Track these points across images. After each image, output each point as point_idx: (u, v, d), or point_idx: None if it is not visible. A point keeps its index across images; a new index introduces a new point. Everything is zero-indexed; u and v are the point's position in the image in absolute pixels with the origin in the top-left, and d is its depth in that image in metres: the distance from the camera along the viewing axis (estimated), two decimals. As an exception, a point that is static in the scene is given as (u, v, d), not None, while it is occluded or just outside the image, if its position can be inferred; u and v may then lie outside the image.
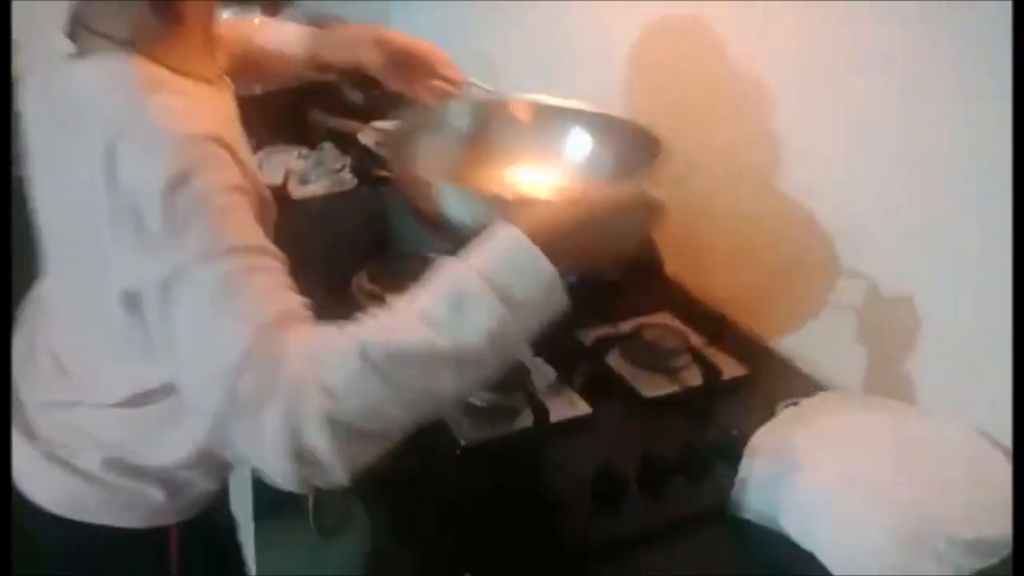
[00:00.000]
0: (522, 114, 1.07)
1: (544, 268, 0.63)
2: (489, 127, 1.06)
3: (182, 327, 0.60)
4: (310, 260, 1.17)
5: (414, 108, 1.04)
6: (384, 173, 1.25)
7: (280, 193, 1.43)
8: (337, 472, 0.59)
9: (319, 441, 0.57)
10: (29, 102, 0.75)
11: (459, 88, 1.03)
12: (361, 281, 1.11)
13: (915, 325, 0.92)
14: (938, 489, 0.72)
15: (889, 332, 0.95)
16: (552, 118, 1.06)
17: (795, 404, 0.85)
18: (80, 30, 0.68)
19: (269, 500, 1.39)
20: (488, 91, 1.06)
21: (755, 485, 0.78)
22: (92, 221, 0.63)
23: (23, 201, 0.79)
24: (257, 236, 0.64)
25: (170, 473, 0.77)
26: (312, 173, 1.48)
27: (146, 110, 0.63)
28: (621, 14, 1.30)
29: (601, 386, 0.96)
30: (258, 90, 1.66)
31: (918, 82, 0.88)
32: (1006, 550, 0.69)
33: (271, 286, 0.62)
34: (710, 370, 0.95)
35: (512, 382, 0.89)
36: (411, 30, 1.89)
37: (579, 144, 1.04)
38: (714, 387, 0.95)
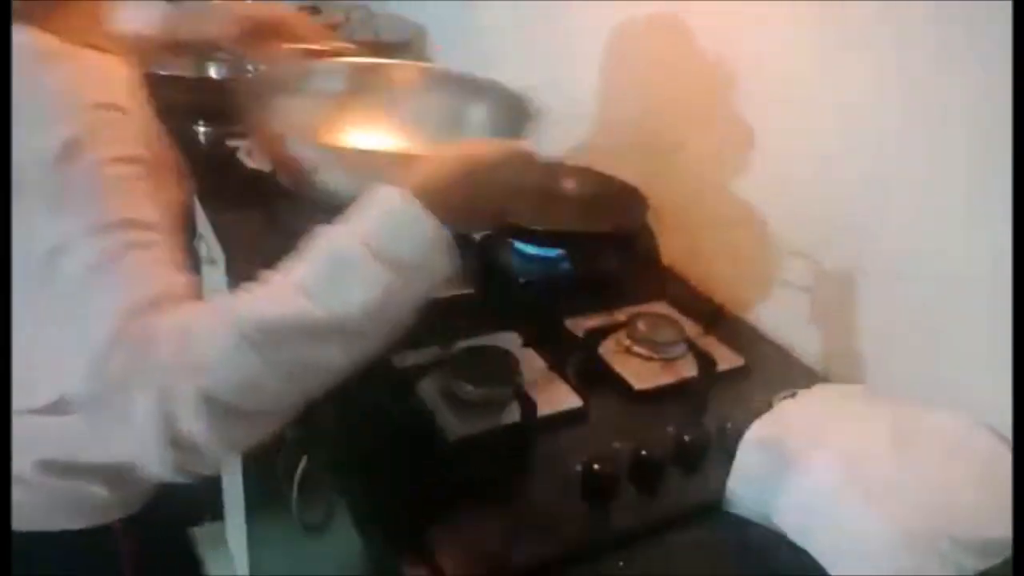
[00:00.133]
0: (395, 77, 1.08)
1: (428, 226, 0.62)
2: (360, 90, 1.05)
3: (60, 305, 0.58)
4: (299, 245, 1.17)
5: (275, 69, 1.02)
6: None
7: (270, 179, 1.40)
8: (216, 456, 0.57)
9: (195, 423, 0.54)
10: None
11: (323, 51, 1.02)
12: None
13: (913, 318, 0.89)
14: (942, 486, 0.70)
15: (888, 323, 0.92)
16: (425, 81, 1.07)
17: (792, 396, 0.82)
18: None
19: (259, 497, 1.37)
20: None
21: (750, 481, 0.76)
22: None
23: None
24: (144, 210, 0.61)
25: (112, 468, 0.74)
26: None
27: (38, 79, 0.61)
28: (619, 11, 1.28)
29: (593, 378, 0.93)
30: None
31: (906, 68, 0.86)
32: (1011, 550, 0.66)
33: (150, 264, 0.59)
34: (705, 361, 0.92)
35: (500, 375, 0.86)
36: (403, 7, 1.86)
37: (452, 107, 1.05)
38: (709, 379, 0.92)
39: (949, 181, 0.85)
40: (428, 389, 0.87)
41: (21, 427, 0.72)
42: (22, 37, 0.63)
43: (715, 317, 1.05)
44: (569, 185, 1.27)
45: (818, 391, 0.83)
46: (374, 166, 0.72)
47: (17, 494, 0.72)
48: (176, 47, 1.01)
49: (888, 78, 0.89)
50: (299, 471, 0.96)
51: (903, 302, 0.91)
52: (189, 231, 1.51)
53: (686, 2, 1.14)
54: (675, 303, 1.08)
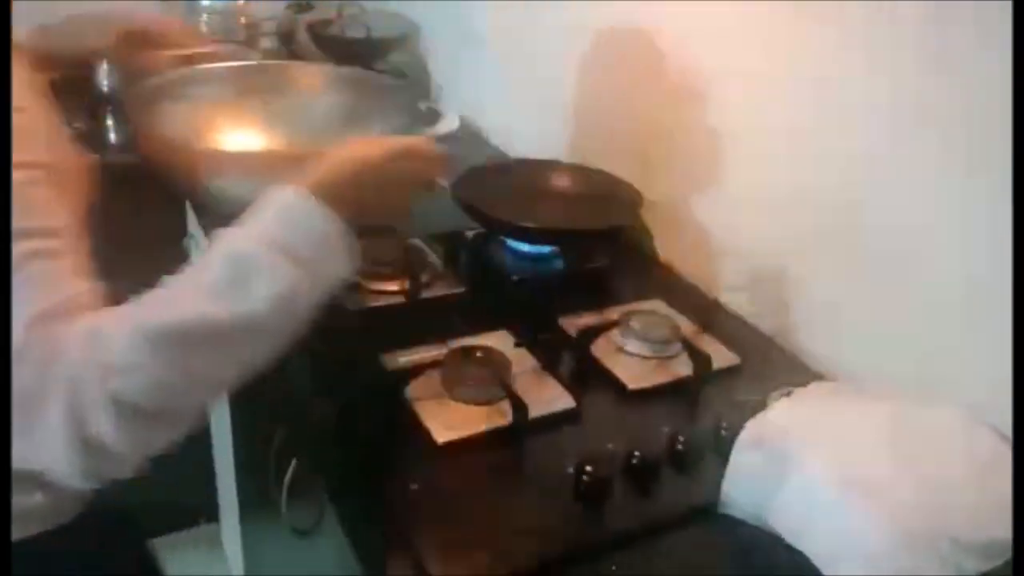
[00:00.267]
0: (290, 78, 1.09)
1: (324, 221, 0.64)
2: (249, 92, 1.06)
3: None
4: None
5: (156, 76, 1.01)
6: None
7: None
8: (127, 459, 0.58)
9: (106, 426, 0.55)
10: None
11: (200, 56, 1.02)
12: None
13: (908, 314, 0.88)
14: (940, 485, 0.68)
15: (882, 319, 0.91)
16: (320, 81, 1.08)
17: (788, 394, 0.81)
18: None
19: (253, 499, 1.36)
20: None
21: (745, 482, 0.74)
22: None
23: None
24: (46, 217, 0.61)
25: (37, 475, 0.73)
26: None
27: None
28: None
29: (586, 377, 0.92)
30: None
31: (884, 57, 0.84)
32: (1010, 552, 0.65)
33: (53, 272, 0.59)
34: (700, 360, 0.91)
35: (492, 375, 0.85)
36: (396, 2, 1.84)
37: (347, 106, 1.06)
38: (704, 377, 0.91)
39: (943, 179, 0.83)
40: (418, 390, 0.85)
41: None
42: None
43: (710, 314, 1.03)
44: (562, 182, 1.25)
45: (814, 389, 0.82)
46: (266, 167, 0.74)
47: None
48: (53, 60, 0.97)
49: (880, 77, 0.88)
50: (288, 475, 0.95)
51: (897, 299, 0.89)
52: (180, 231, 1.50)
53: (678, 1, 1.12)
54: (670, 300, 1.07)
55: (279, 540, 1.13)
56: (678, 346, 0.95)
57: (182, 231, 1.49)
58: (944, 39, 0.81)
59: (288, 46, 1.88)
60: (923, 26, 0.83)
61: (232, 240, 0.63)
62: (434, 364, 0.88)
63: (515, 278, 1.10)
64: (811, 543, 0.70)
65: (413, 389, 0.85)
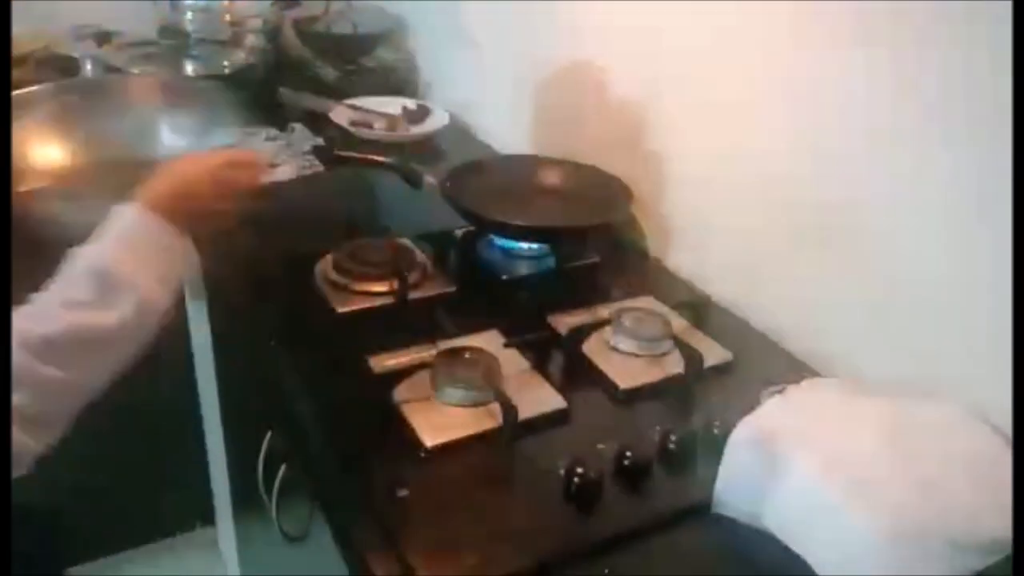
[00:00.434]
0: (107, 92, 1.14)
1: (166, 234, 0.75)
2: (68, 111, 1.09)
3: None
4: (276, 246, 1.14)
5: None
6: (345, 154, 1.19)
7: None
8: (32, 452, 0.66)
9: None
10: None
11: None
12: (325, 268, 1.06)
13: (903, 312, 0.87)
14: (933, 482, 0.67)
15: (877, 317, 0.90)
16: (142, 93, 1.15)
17: (781, 391, 0.80)
18: None
19: (246, 504, 1.35)
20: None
21: (738, 481, 0.73)
22: None
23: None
24: None
25: None
26: (280, 156, 1.42)
27: None
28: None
29: (577, 377, 0.91)
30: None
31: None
32: (1005, 550, 0.64)
33: None
34: (692, 357, 0.90)
35: (481, 377, 0.84)
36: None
37: (167, 114, 1.12)
38: (696, 375, 0.90)
39: (935, 179, 0.82)
40: (406, 393, 0.84)
41: None
42: None
43: (702, 311, 1.03)
44: (552, 178, 1.24)
45: (806, 386, 0.81)
46: (104, 184, 0.85)
47: None
48: None
49: (877, 75, 0.86)
50: (278, 480, 0.94)
51: (890, 297, 0.88)
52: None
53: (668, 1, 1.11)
54: (661, 297, 1.06)
55: (272, 544, 1.12)
56: (670, 343, 0.94)
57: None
58: (925, 35, 0.80)
59: (274, 43, 1.86)
60: (900, 24, 0.82)
61: (90, 257, 0.71)
62: (423, 366, 0.87)
63: (505, 277, 1.09)
64: (805, 542, 0.70)
65: (401, 392, 0.85)
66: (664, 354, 0.94)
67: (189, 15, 1.75)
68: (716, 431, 0.80)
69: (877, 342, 0.91)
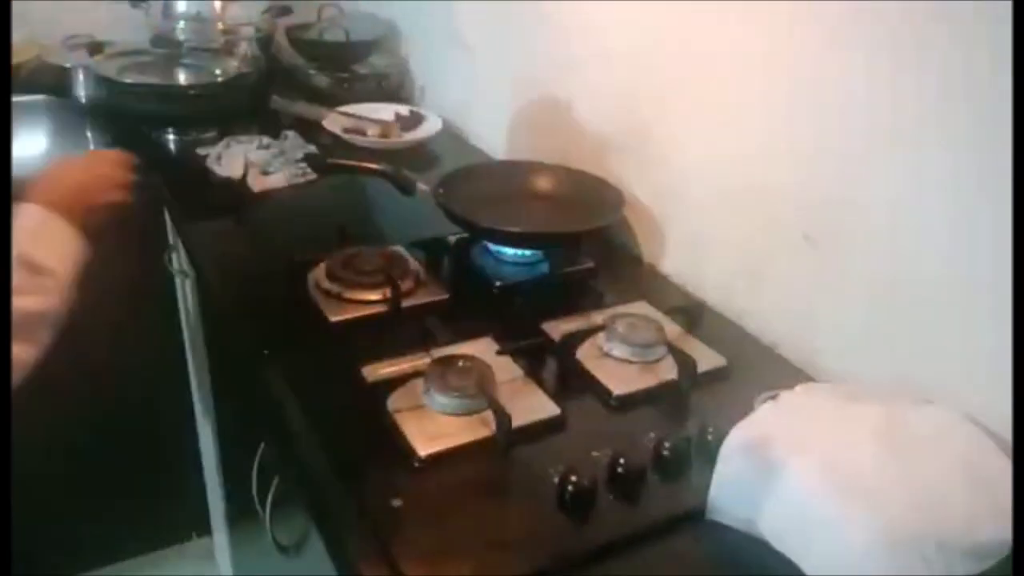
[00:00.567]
0: None
1: (63, 227, 0.86)
2: None
3: None
4: (269, 254, 1.14)
5: None
6: (337, 161, 1.19)
7: (240, 186, 1.38)
8: None
9: None
10: None
11: None
12: (318, 277, 1.05)
13: (897, 314, 0.87)
14: (929, 489, 0.67)
15: (871, 319, 0.90)
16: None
17: (774, 398, 0.79)
18: None
19: (240, 515, 1.35)
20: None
21: (732, 488, 0.73)
22: None
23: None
24: None
25: None
26: (273, 164, 1.42)
27: None
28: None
29: (571, 384, 0.91)
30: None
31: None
32: (1001, 554, 0.64)
33: None
34: (686, 363, 0.90)
35: (474, 385, 0.84)
36: (375, 5, 1.83)
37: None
38: (690, 381, 0.90)
39: (932, 182, 0.82)
40: (400, 402, 0.84)
41: None
42: None
43: (695, 316, 1.02)
44: (545, 184, 1.24)
45: (800, 391, 0.81)
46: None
47: None
48: None
49: (865, 76, 0.86)
50: (272, 491, 0.94)
51: (883, 299, 0.88)
52: (161, 243, 1.48)
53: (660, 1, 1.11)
54: (655, 302, 1.06)
55: (267, 554, 1.12)
56: (663, 349, 0.94)
57: (163, 242, 1.48)
58: (922, 38, 0.80)
59: (266, 51, 1.86)
60: (900, 25, 0.82)
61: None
62: (416, 374, 0.87)
63: (498, 284, 1.09)
64: (799, 549, 0.69)
65: (395, 400, 0.84)
66: (658, 360, 0.94)
67: (181, 24, 1.75)
68: (710, 437, 0.80)
69: (872, 346, 0.91)
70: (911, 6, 0.80)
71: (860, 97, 0.87)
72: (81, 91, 1.68)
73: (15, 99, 1.54)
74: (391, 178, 1.17)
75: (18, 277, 0.79)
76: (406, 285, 1.05)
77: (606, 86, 1.26)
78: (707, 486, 0.74)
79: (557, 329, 0.97)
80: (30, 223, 0.85)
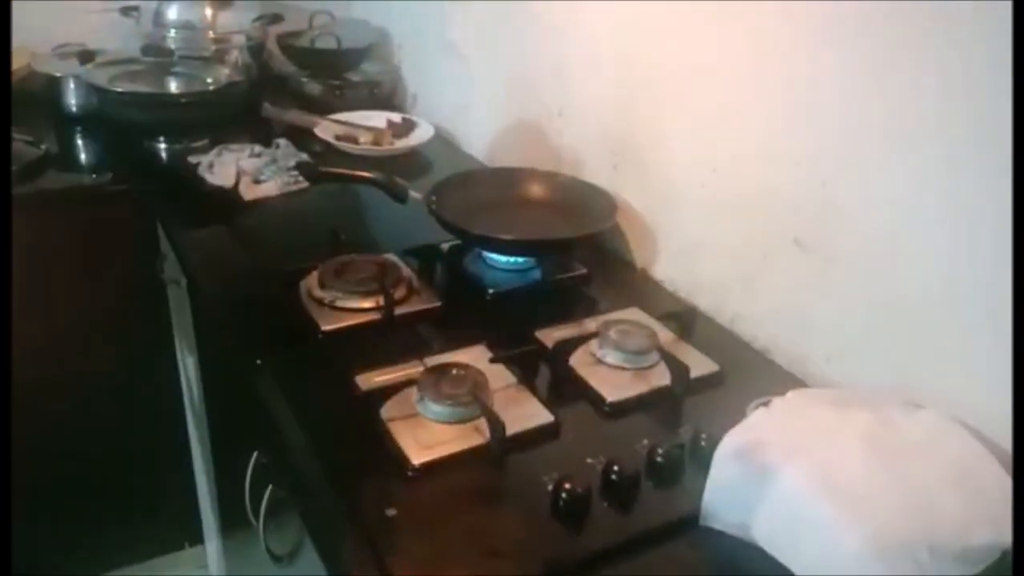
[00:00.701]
0: None
1: None
2: None
3: None
4: (261, 263, 1.14)
5: None
6: (330, 170, 1.19)
7: (231, 195, 1.37)
8: None
9: None
10: None
11: None
12: (310, 285, 1.05)
13: (890, 317, 0.88)
14: (920, 494, 0.68)
15: (865, 322, 0.91)
16: None
17: (766, 404, 0.80)
18: None
19: (233, 524, 1.34)
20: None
21: (725, 494, 0.73)
22: None
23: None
24: None
25: None
26: (265, 172, 1.42)
27: None
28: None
29: (564, 391, 0.91)
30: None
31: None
32: (992, 558, 0.65)
33: None
34: (678, 369, 0.90)
35: (468, 393, 0.84)
36: (367, 12, 1.84)
37: None
38: (683, 387, 0.90)
39: (927, 186, 0.83)
40: (393, 410, 0.84)
41: None
42: None
43: (688, 322, 1.03)
44: (537, 190, 1.25)
45: (792, 397, 0.81)
46: None
47: None
48: None
49: (858, 78, 0.87)
50: (265, 500, 0.93)
51: (875, 304, 0.89)
52: (152, 251, 1.48)
53: (654, 2, 1.12)
54: (647, 308, 1.06)
55: (260, 564, 1.12)
56: (656, 356, 0.94)
57: (154, 251, 1.47)
58: (918, 38, 0.81)
59: (258, 60, 1.86)
60: (895, 25, 0.82)
61: None
62: (410, 383, 0.87)
63: (491, 291, 1.09)
64: (792, 554, 0.70)
65: (388, 409, 0.84)
66: (651, 366, 0.94)
67: (172, 32, 1.75)
68: (703, 443, 0.80)
69: (864, 352, 0.91)
70: (906, 5, 0.80)
71: (855, 99, 0.87)
72: (72, 100, 1.67)
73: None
74: (383, 186, 1.17)
75: None
76: (399, 293, 1.05)
77: (598, 93, 1.27)
78: (700, 492, 0.75)
79: (550, 336, 0.98)
80: None
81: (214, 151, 1.47)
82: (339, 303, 1.02)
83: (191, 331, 1.38)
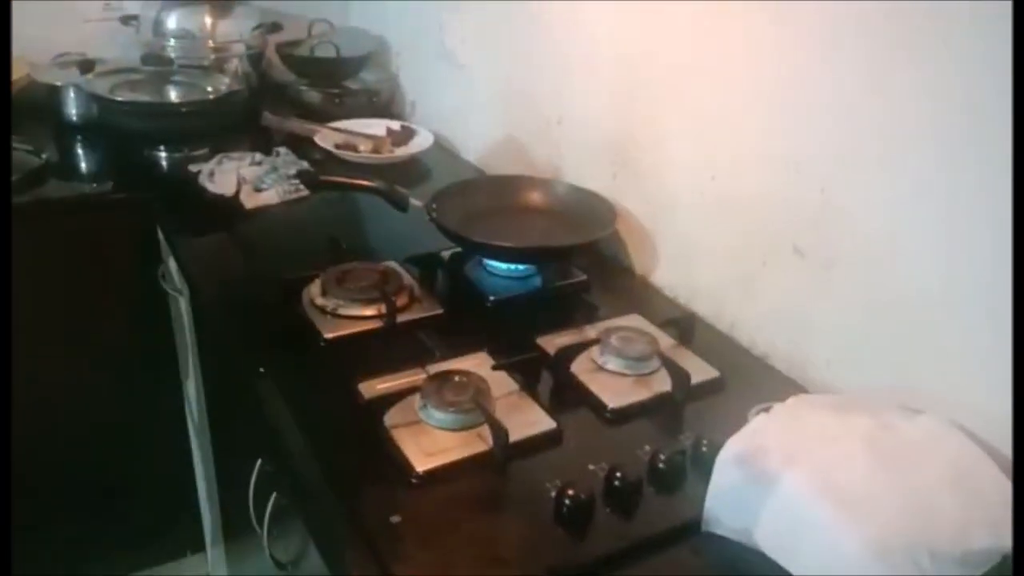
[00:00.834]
0: None
1: None
2: None
3: None
4: (262, 271, 1.14)
5: None
6: (330, 178, 1.20)
7: (232, 203, 1.38)
8: None
9: None
10: None
11: None
12: (312, 293, 1.06)
13: (886, 322, 0.88)
14: (921, 498, 0.68)
15: (861, 326, 0.91)
16: None
17: (767, 409, 0.80)
18: None
19: (237, 531, 1.34)
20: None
21: (727, 499, 0.74)
22: None
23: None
24: None
25: None
26: (266, 180, 1.43)
27: None
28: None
29: (566, 398, 0.91)
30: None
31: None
32: (992, 561, 0.65)
33: None
34: (679, 375, 0.91)
35: (470, 400, 0.84)
36: (365, 21, 1.84)
37: None
38: (684, 393, 0.90)
39: (925, 189, 0.83)
40: (396, 418, 0.85)
41: None
42: None
43: (688, 327, 1.03)
44: (537, 198, 1.26)
45: (792, 403, 0.81)
46: None
47: None
48: None
49: (856, 79, 0.87)
50: (269, 508, 0.94)
51: (874, 308, 0.90)
52: (153, 260, 1.48)
53: (654, 2, 1.12)
54: (647, 314, 1.07)
55: (263, 571, 1.12)
56: (657, 362, 0.95)
57: (155, 260, 1.48)
58: (907, 37, 0.81)
59: (257, 69, 1.87)
60: (889, 26, 0.83)
61: None
62: (413, 390, 0.87)
63: (492, 298, 1.10)
64: (794, 559, 0.70)
65: (391, 417, 0.85)
66: (652, 373, 0.94)
67: (172, 41, 1.76)
68: (705, 449, 0.81)
69: (863, 356, 0.92)
70: (905, 6, 0.81)
71: (853, 101, 0.88)
72: (72, 109, 1.68)
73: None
74: (384, 194, 1.17)
75: None
76: (401, 301, 1.05)
77: (596, 100, 1.27)
78: (702, 498, 0.75)
79: (551, 343, 0.98)
80: None
81: (214, 160, 1.47)
82: (341, 311, 1.02)
83: (193, 340, 1.39)
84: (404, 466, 0.79)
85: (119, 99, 1.56)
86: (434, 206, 1.16)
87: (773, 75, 0.97)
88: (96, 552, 1.70)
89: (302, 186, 1.39)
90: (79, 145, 1.69)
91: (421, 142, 1.65)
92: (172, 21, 1.78)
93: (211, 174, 1.44)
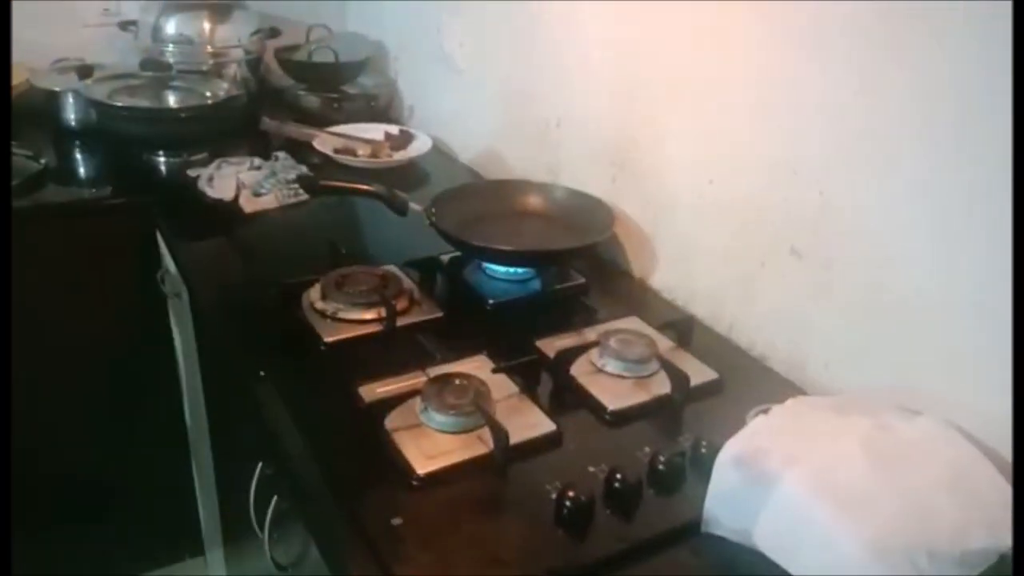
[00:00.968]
0: None
1: None
2: None
3: None
4: (262, 275, 1.15)
5: None
6: (329, 183, 1.20)
7: (231, 208, 1.38)
8: None
9: None
10: None
11: None
12: (312, 298, 1.06)
13: (885, 325, 0.89)
14: (919, 499, 0.69)
15: (859, 328, 0.92)
16: None
17: (765, 411, 0.81)
18: None
19: (237, 534, 1.35)
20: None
21: (727, 500, 0.74)
22: None
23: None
24: None
25: None
26: (265, 185, 1.43)
27: None
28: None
29: (566, 400, 0.92)
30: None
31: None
32: (990, 561, 0.66)
33: None
34: (678, 377, 0.91)
35: (470, 403, 0.84)
36: (363, 25, 1.84)
37: None
38: (683, 395, 0.91)
39: (923, 190, 0.84)
40: (397, 421, 0.85)
41: None
42: None
43: (686, 330, 1.04)
44: (535, 202, 1.26)
45: (791, 404, 0.82)
46: None
47: None
48: None
49: (854, 82, 0.88)
50: (270, 511, 0.94)
51: (872, 310, 0.90)
52: (153, 264, 1.48)
53: (653, 3, 1.13)
54: (646, 317, 1.07)
55: (264, 573, 1.12)
56: (656, 364, 0.95)
57: (155, 264, 1.48)
58: (899, 37, 0.82)
59: (256, 74, 1.87)
60: (881, 26, 0.84)
61: None
62: (413, 393, 0.88)
63: (492, 301, 1.10)
64: (794, 560, 0.71)
65: (392, 420, 0.85)
66: (651, 375, 0.95)
67: (170, 47, 1.76)
68: (704, 451, 0.81)
69: (861, 358, 0.92)
70: (901, 6, 0.81)
71: (851, 103, 0.88)
72: (71, 114, 1.68)
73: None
74: (383, 198, 1.18)
75: None
76: (400, 304, 1.06)
77: (594, 102, 1.28)
78: (702, 499, 0.76)
79: (551, 346, 0.99)
80: None
81: (213, 164, 1.48)
82: (341, 315, 1.03)
83: (192, 344, 1.39)
84: (405, 468, 0.80)
85: (118, 104, 1.56)
86: (433, 210, 1.17)
87: (771, 77, 0.97)
88: (95, 555, 1.70)
89: (301, 191, 1.40)
90: (78, 150, 1.69)
91: (420, 146, 1.65)
92: (171, 26, 1.78)
93: (210, 179, 1.44)
